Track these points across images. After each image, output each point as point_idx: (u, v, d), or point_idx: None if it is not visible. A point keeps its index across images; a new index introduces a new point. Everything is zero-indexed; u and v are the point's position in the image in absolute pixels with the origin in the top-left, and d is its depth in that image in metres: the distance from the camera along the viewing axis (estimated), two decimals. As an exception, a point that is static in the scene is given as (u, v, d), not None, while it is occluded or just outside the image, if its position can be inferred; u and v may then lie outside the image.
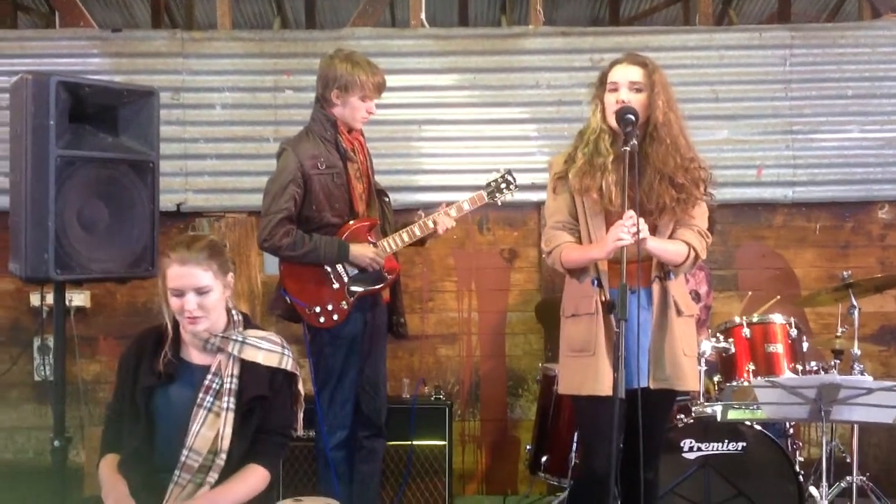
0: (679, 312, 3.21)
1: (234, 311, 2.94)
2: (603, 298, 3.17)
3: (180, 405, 2.83)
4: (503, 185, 4.09)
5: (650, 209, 3.14)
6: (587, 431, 3.33)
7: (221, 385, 2.83)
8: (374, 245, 3.87)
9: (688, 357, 3.22)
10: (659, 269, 3.21)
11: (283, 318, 4.00)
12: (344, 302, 3.84)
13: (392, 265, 3.95)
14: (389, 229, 4.02)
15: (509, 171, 4.12)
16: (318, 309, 3.83)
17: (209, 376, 2.84)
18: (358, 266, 3.84)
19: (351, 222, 3.88)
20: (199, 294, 2.80)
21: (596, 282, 3.21)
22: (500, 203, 4.12)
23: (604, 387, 3.11)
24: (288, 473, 4.42)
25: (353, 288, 3.85)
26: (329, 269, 3.85)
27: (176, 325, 2.89)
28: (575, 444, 4.09)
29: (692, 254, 3.18)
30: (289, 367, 2.92)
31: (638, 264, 3.04)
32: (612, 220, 3.10)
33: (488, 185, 4.09)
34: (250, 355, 2.87)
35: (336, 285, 3.84)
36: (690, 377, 3.22)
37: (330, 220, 3.84)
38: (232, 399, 2.81)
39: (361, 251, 3.81)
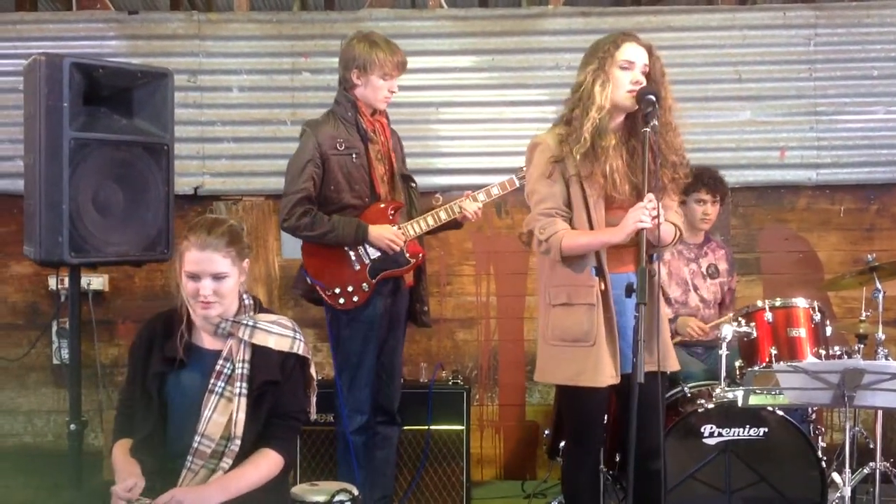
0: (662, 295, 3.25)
1: (245, 296, 2.92)
2: (602, 287, 3.14)
3: (192, 391, 2.81)
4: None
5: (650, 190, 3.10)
6: (579, 420, 3.30)
7: (233, 370, 2.81)
8: (398, 228, 3.85)
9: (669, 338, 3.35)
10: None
11: (304, 299, 4.00)
12: (365, 284, 3.82)
13: (416, 249, 3.93)
14: (416, 214, 4.00)
15: None
16: (337, 290, 3.82)
17: (220, 361, 2.82)
18: (378, 248, 3.82)
19: (378, 204, 3.87)
20: (215, 280, 2.78)
21: (595, 270, 3.16)
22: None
23: (604, 377, 3.09)
24: (305, 458, 4.41)
25: (375, 270, 3.83)
26: (350, 251, 3.83)
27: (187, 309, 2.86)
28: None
29: (678, 234, 3.26)
30: (300, 352, 2.90)
31: (640, 247, 2.99)
32: (614, 206, 3.10)
33: (521, 169, 4.04)
34: (261, 340, 2.85)
35: (357, 267, 3.83)
36: (673, 358, 3.32)
37: (350, 202, 3.83)
38: (244, 384, 2.80)
39: (380, 232, 3.79)
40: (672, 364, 3.28)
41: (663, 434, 3.21)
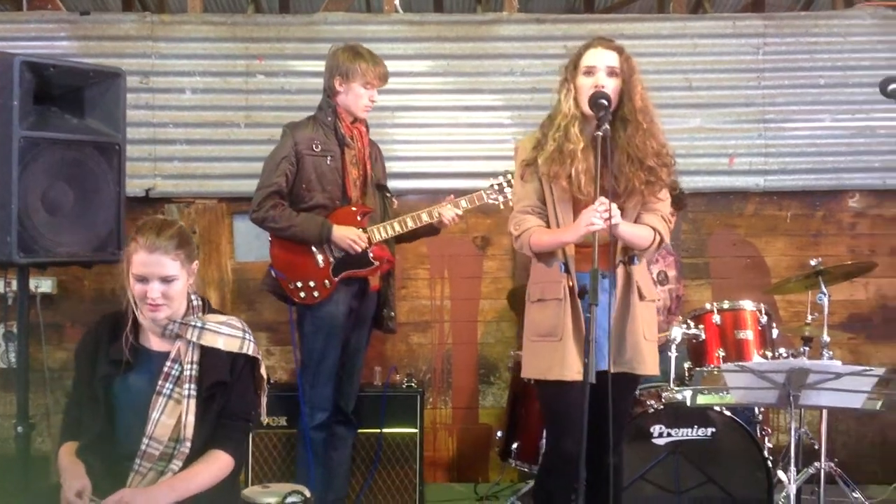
0: (641, 297, 3.24)
1: (193, 297, 2.89)
2: (570, 284, 3.17)
3: (139, 393, 2.78)
4: (507, 189, 4.07)
5: (619, 192, 3.15)
6: (553, 416, 3.32)
7: (181, 372, 2.79)
8: (363, 230, 3.92)
9: (648, 341, 3.25)
10: (623, 254, 3.23)
11: (272, 294, 4.06)
12: (327, 281, 3.91)
13: (382, 254, 4.01)
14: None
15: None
16: (299, 284, 3.91)
17: (168, 363, 2.79)
18: (341, 247, 3.89)
19: (348, 207, 3.96)
20: (164, 283, 2.75)
21: (563, 266, 3.20)
22: (501, 206, 4.11)
23: (571, 372, 3.11)
24: (258, 461, 4.38)
25: (338, 268, 3.92)
26: (316, 248, 3.92)
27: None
28: (545, 431, 4.08)
29: (657, 238, 3.23)
30: (250, 352, 2.88)
31: (610, 248, 3.09)
32: (581, 207, 3.11)
33: (491, 186, 4.10)
34: (210, 341, 2.83)
35: (321, 264, 3.92)
36: (650, 362, 3.25)
37: (321, 202, 3.93)
38: (192, 386, 2.77)
39: (343, 233, 3.88)
40: (644, 367, 3.22)
41: (615, 432, 3.21)
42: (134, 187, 4.95)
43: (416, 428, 4.47)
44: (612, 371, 3.11)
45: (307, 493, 3.09)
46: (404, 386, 4.56)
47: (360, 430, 4.30)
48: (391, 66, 5.09)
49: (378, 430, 4.42)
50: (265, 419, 3.12)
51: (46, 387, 4.74)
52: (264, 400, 3.01)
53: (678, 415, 3.88)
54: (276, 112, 5.00)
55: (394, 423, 4.45)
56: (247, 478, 4.30)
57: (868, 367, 3.30)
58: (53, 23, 5.12)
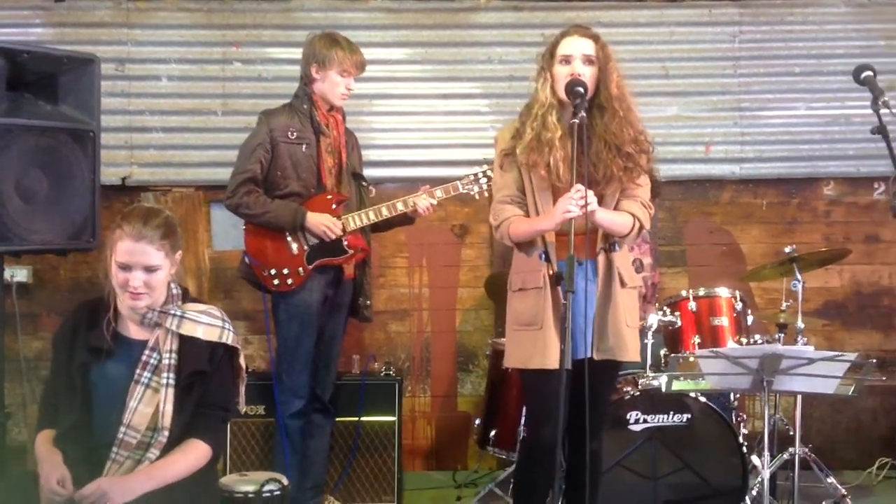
0: (623, 284, 3.25)
1: (173, 285, 2.88)
2: (550, 272, 3.19)
3: (117, 381, 2.77)
4: (482, 179, 4.07)
5: (597, 179, 3.16)
6: (534, 404, 3.33)
7: (160, 360, 2.78)
8: (338, 219, 3.92)
9: (630, 328, 3.27)
10: (604, 241, 3.24)
11: (247, 281, 4.06)
12: (301, 268, 3.90)
13: (357, 242, 4.00)
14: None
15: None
16: (273, 271, 3.90)
17: (147, 351, 2.79)
18: (315, 234, 3.89)
19: (323, 195, 3.94)
20: (147, 272, 2.74)
21: (543, 255, 3.22)
22: (476, 196, 4.11)
23: (551, 360, 3.12)
24: (236, 450, 4.37)
25: (312, 256, 3.91)
26: (290, 236, 3.91)
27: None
28: (523, 418, 4.10)
29: (637, 224, 3.24)
30: (229, 341, 2.88)
31: (585, 236, 3.08)
32: (560, 195, 3.11)
33: (467, 176, 4.10)
34: (189, 330, 2.82)
35: (295, 251, 3.91)
36: (632, 348, 3.27)
37: (296, 189, 3.92)
38: (171, 375, 2.77)
39: (317, 220, 3.87)
40: (626, 354, 3.24)
41: (596, 418, 3.23)
42: (110, 175, 4.93)
43: (394, 416, 4.48)
44: (595, 358, 3.15)
45: (284, 482, 3.10)
46: (383, 374, 4.56)
47: (338, 419, 4.29)
48: (368, 53, 5.07)
49: (356, 419, 4.43)
50: (244, 408, 3.11)
51: (23, 376, 4.71)
52: (243, 390, 3.02)
53: (654, 401, 3.91)
54: (253, 100, 4.98)
55: (372, 411, 4.45)
56: (225, 466, 4.30)
57: (840, 353, 3.33)
58: (28, 9, 5.07)
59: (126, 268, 2.73)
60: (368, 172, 4.74)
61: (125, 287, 2.74)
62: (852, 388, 3.41)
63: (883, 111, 3.05)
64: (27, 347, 4.96)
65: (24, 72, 3.33)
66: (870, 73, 3.16)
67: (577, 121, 3.00)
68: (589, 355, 3.15)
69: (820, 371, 3.30)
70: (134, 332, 2.85)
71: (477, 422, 4.51)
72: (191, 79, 5.12)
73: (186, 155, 5.10)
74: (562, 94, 3.16)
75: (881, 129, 3.06)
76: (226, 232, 4.70)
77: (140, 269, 2.73)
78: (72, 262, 4.94)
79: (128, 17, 5.08)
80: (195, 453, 2.78)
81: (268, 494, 3.02)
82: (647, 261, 4.64)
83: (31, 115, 3.31)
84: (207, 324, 2.86)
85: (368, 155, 5.06)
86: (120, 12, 5.08)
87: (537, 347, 3.16)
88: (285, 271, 3.89)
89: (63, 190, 3.36)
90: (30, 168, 3.29)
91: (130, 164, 5.09)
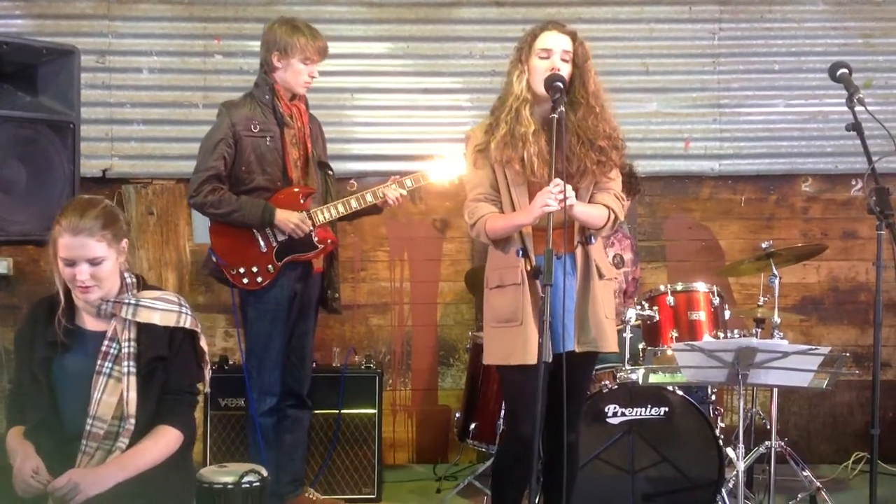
0: (601, 276, 3.29)
1: (126, 274, 2.87)
2: (528, 268, 3.20)
3: (79, 373, 2.78)
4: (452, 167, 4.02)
5: (571, 173, 3.18)
6: (514, 399, 3.34)
7: (119, 350, 2.78)
8: (308, 213, 3.85)
9: (609, 319, 3.31)
10: (580, 234, 3.27)
11: (214, 279, 4.01)
12: (270, 266, 3.84)
13: (325, 235, 3.94)
14: (332, 202, 3.99)
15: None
16: (242, 270, 3.84)
17: (105, 342, 2.79)
18: (284, 231, 3.83)
19: (290, 189, 3.88)
20: (92, 265, 2.73)
21: (521, 251, 3.23)
22: (447, 184, 4.07)
23: (532, 356, 3.10)
24: (216, 442, 4.38)
25: (282, 253, 3.85)
26: (258, 233, 3.84)
27: (68, 291, 2.81)
28: (503, 412, 4.12)
29: (612, 216, 3.28)
30: (188, 325, 2.88)
31: (564, 230, 3.10)
32: (536, 190, 3.12)
33: (435, 163, 4.04)
34: (146, 317, 2.82)
35: (264, 249, 3.85)
36: (612, 339, 3.32)
37: (261, 184, 3.85)
38: (132, 363, 2.77)
39: (286, 217, 3.80)
40: (607, 345, 3.28)
41: (575, 410, 3.26)
42: (91, 167, 4.91)
43: (374, 409, 4.49)
44: (577, 351, 3.18)
45: (264, 473, 3.11)
46: (363, 367, 4.57)
47: (318, 411, 4.31)
48: (350, 47, 5.11)
49: (337, 411, 4.44)
50: (207, 389, 3.09)
51: (3, 368, 4.69)
52: (207, 372, 3.02)
53: (632, 395, 3.93)
54: (234, 93, 4.88)
55: (352, 404, 4.47)
56: (205, 458, 4.31)
57: (813, 346, 3.38)
58: (8, 1, 5.03)
59: (70, 263, 2.72)
60: (350, 166, 4.76)
61: (73, 282, 2.74)
62: (826, 381, 3.45)
63: (858, 108, 3.09)
64: (7, 339, 4.92)
65: (3, 63, 3.32)
66: (845, 70, 3.20)
67: (555, 115, 3.01)
68: (571, 348, 3.17)
69: (794, 365, 3.34)
70: (91, 324, 2.85)
71: (457, 415, 4.53)
72: (172, 71, 5.10)
73: (167, 147, 5.08)
74: (538, 88, 3.17)
75: (856, 126, 3.11)
76: (206, 225, 4.63)
77: (84, 262, 2.72)
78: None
79: (109, 9, 5.06)
80: (165, 439, 2.80)
81: (247, 486, 3.03)
82: (628, 256, 4.67)
83: (10, 105, 3.31)
84: (164, 309, 2.85)
85: (350, 149, 5.10)
86: (101, 4, 5.06)
87: (518, 343, 3.18)
88: (254, 269, 3.83)
89: (43, 181, 3.36)
90: (9, 159, 3.29)
91: (111, 157, 5.07)
